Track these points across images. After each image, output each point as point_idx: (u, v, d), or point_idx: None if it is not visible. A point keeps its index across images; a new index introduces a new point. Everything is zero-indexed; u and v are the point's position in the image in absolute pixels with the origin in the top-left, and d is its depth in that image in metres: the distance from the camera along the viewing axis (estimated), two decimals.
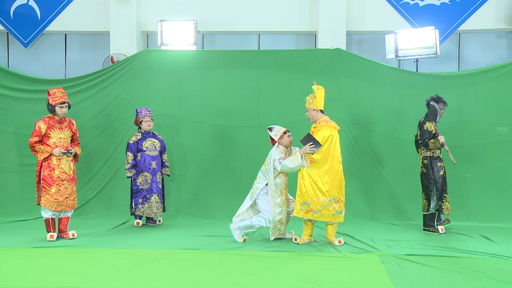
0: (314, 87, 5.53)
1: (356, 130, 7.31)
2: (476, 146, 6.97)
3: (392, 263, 4.67)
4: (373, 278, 4.19)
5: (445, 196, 6.24)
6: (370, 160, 7.31)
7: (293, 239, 5.66)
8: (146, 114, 6.71)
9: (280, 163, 5.46)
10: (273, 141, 5.79)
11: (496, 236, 6.02)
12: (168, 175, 7.02)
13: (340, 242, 5.48)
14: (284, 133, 5.68)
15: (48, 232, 5.73)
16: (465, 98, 7.21)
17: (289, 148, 5.76)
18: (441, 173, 6.26)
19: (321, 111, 5.57)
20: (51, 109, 5.80)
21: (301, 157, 5.38)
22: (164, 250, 5.21)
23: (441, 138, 6.22)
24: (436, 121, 6.36)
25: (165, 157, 6.91)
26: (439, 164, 6.28)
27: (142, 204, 6.62)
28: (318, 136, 5.39)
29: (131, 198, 6.75)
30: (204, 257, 4.89)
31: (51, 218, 5.73)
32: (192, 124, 7.53)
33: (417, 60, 7.61)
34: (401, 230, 6.52)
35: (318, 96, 5.51)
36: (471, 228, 6.51)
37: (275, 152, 5.60)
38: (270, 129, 5.78)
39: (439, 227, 6.25)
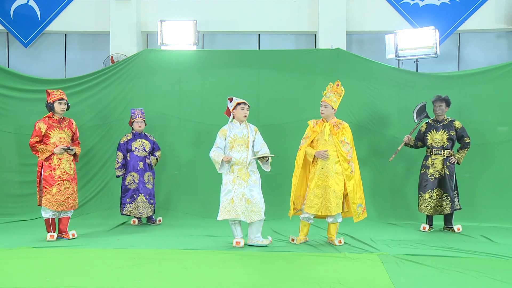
0: (340, 88, 5.51)
1: (356, 130, 7.30)
2: (476, 146, 6.96)
3: (392, 263, 4.67)
4: (373, 278, 4.19)
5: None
6: (370, 160, 7.30)
7: (290, 240, 5.66)
8: (138, 115, 6.81)
9: (211, 152, 5.41)
10: (228, 112, 5.57)
11: (496, 236, 6.02)
12: (150, 164, 6.86)
13: (340, 242, 5.48)
14: (239, 104, 5.44)
15: (48, 232, 5.73)
16: (465, 98, 7.21)
17: (244, 122, 5.49)
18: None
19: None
20: (50, 106, 5.79)
21: (221, 163, 5.28)
22: (164, 250, 5.22)
23: (406, 138, 6.56)
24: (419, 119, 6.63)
25: (158, 153, 6.95)
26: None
27: (129, 203, 6.70)
28: (350, 136, 5.48)
29: (121, 197, 6.81)
30: (204, 257, 4.89)
31: (51, 218, 5.73)
32: (192, 124, 7.53)
33: (417, 60, 7.61)
34: (401, 230, 6.52)
35: (341, 97, 5.54)
36: (471, 228, 6.51)
37: (224, 129, 5.46)
38: (230, 99, 5.53)
39: (455, 226, 6.36)
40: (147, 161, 6.83)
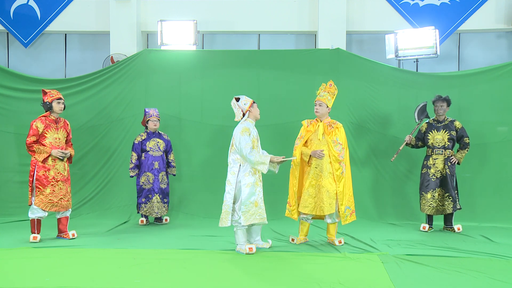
0: (333, 87, 5.50)
1: (356, 130, 7.31)
2: (476, 146, 6.96)
3: (392, 263, 4.68)
4: (373, 278, 4.19)
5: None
6: (370, 160, 7.31)
7: (290, 240, 5.66)
8: (153, 114, 6.84)
9: (250, 153, 4.98)
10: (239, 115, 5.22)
11: (496, 236, 6.02)
12: (174, 175, 7.08)
13: (340, 242, 5.48)
14: (253, 103, 5.21)
15: (32, 233, 5.62)
16: (465, 98, 7.22)
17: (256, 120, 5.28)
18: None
19: None
20: (48, 106, 5.76)
21: (265, 165, 4.94)
22: (164, 250, 5.22)
23: (407, 138, 6.55)
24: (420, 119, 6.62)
25: (171, 157, 7.00)
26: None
27: (145, 203, 6.73)
28: (343, 136, 5.46)
29: (137, 197, 6.84)
30: (204, 257, 4.90)
31: (37, 219, 5.64)
32: (192, 124, 7.53)
33: (417, 60, 7.61)
34: (401, 230, 6.52)
35: (335, 96, 5.54)
36: (471, 228, 6.51)
37: (240, 127, 5.09)
38: (237, 99, 5.20)
39: (455, 226, 6.37)
40: (170, 172, 6.96)
